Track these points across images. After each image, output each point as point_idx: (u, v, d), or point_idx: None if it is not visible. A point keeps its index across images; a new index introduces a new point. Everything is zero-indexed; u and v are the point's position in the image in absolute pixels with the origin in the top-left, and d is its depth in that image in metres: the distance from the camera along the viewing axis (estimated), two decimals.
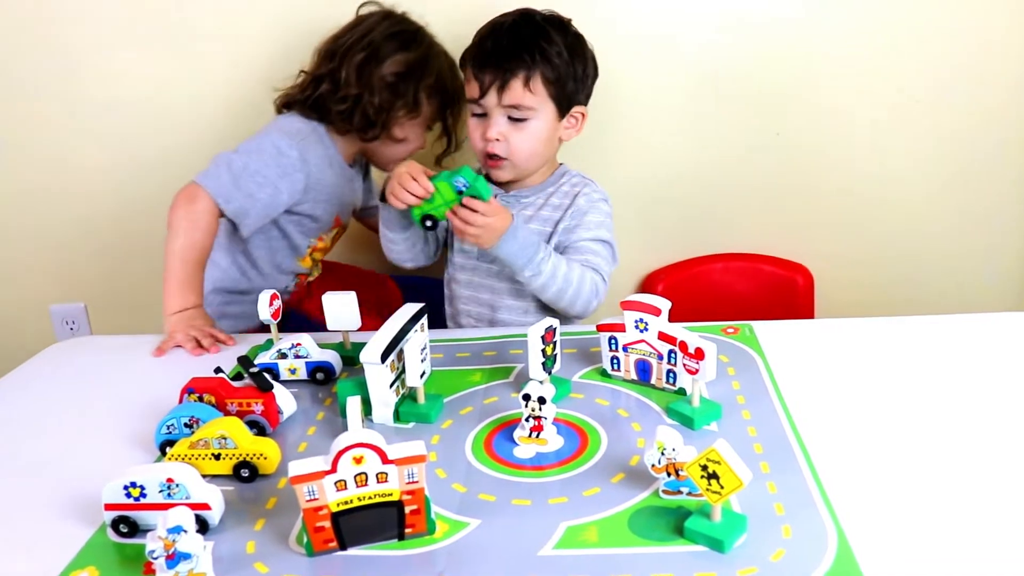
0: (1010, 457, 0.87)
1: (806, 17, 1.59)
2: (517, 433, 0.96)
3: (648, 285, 1.77)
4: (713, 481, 0.75)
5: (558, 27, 1.30)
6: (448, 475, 0.90)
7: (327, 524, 0.78)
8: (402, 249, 1.36)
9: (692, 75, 1.63)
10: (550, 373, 1.03)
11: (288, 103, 1.48)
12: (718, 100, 1.64)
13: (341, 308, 1.13)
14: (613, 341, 1.07)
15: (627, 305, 1.04)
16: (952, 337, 1.15)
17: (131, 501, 0.82)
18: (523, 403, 0.94)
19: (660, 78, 1.63)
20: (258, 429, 1.00)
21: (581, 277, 1.26)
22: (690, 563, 0.75)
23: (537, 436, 0.94)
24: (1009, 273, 1.77)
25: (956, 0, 1.57)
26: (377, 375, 0.98)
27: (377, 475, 0.77)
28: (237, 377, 1.07)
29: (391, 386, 1.01)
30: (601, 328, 1.08)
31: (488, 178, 1.33)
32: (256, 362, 1.11)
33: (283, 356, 1.13)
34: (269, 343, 1.21)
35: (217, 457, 0.91)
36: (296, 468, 0.76)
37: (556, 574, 0.75)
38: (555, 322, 1.02)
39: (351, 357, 1.15)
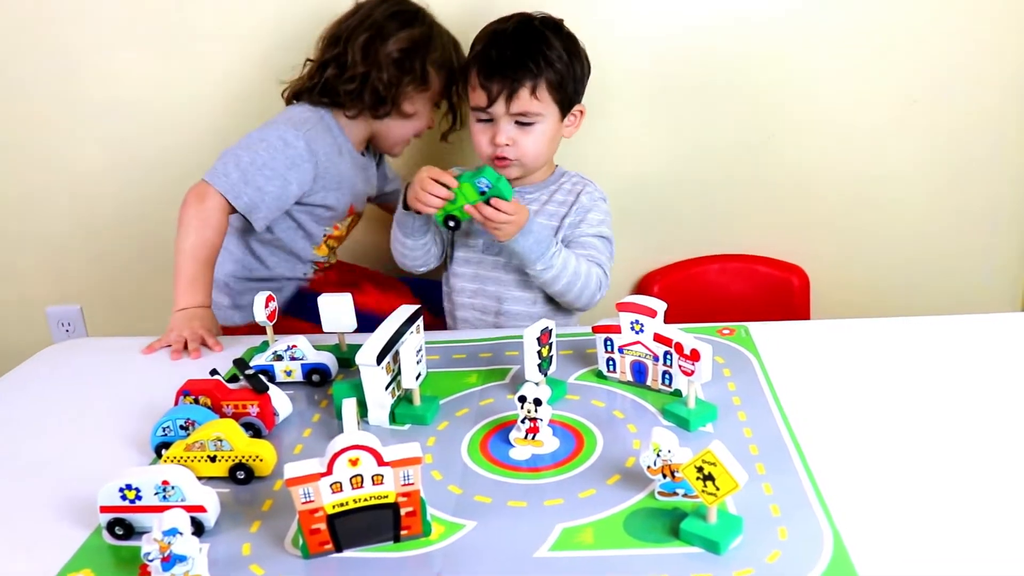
0: (1006, 458, 0.87)
1: (802, 18, 1.59)
2: (513, 435, 0.96)
3: (644, 286, 1.77)
4: (709, 483, 0.75)
5: (555, 30, 1.32)
6: (444, 477, 0.90)
7: (323, 526, 0.78)
8: (419, 255, 1.37)
9: (687, 76, 1.63)
10: (546, 375, 1.03)
11: (296, 94, 1.49)
12: (714, 101, 1.64)
13: (337, 310, 1.13)
14: (609, 343, 1.07)
15: (623, 307, 1.04)
16: (949, 338, 1.15)
17: (127, 503, 0.82)
18: (519, 405, 0.94)
19: (656, 79, 1.63)
20: (254, 431, 1.00)
21: (588, 271, 1.30)
22: (686, 565, 0.75)
23: (533, 438, 0.94)
24: (1006, 273, 1.77)
25: (953, 1, 1.57)
26: (373, 377, 0.98)
27: (373, 477, 0.77)
28: (233, 379, 1.07)
29: (387, 388, 1.01)
30: (597, 330, 1.08)
31: None
32: (252, 364, 1.11)
33: (279, 358, 1.13)
34: (265, 345, 1.21)
35: (213, 459, 0.91)
36: (292, 470, 0.76)
37: None
38: (551, 324, 1.02)
39: (347, 359, 1.15)
